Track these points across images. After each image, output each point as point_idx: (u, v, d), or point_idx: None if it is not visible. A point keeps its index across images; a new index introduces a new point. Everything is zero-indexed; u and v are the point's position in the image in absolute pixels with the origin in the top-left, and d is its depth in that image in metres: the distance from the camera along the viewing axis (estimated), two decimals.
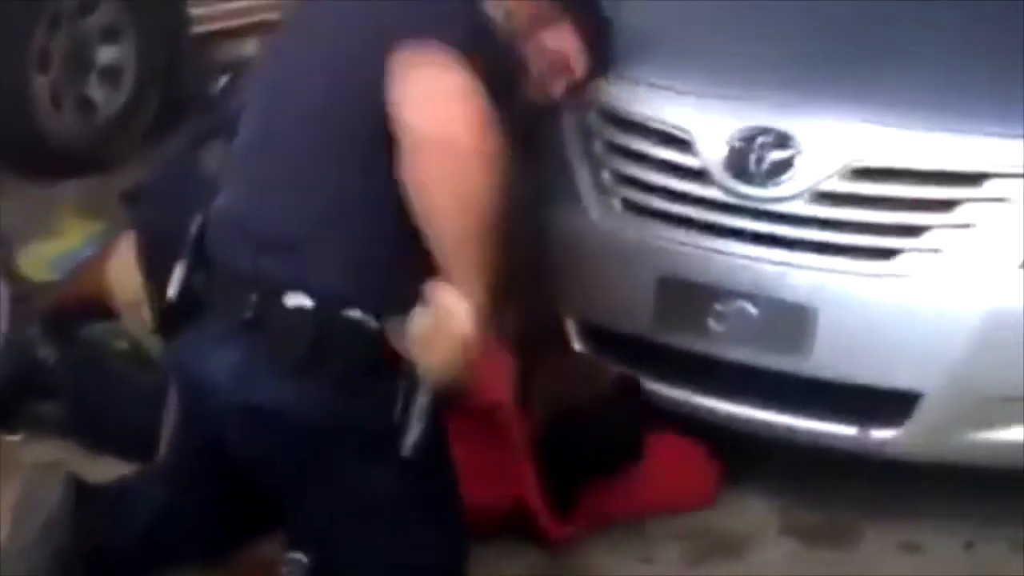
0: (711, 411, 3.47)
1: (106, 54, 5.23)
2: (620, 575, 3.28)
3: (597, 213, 3.53)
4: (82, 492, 2.80)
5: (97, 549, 2.78)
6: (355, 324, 2.58)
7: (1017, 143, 3.26)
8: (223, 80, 3.64)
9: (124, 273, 3.68)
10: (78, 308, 3.79)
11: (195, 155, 3.33)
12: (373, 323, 2.58)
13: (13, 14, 4.91)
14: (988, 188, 3.27)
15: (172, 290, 2.75)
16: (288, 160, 2.68)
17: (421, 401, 2.58)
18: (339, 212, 2.62)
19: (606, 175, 3.54)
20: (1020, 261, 3.26)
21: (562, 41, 3.32)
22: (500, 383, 3.23)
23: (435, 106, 2.48)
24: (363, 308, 2.58)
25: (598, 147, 3.56)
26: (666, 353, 3.49)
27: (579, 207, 3.55)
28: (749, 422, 3.45)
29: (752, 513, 3.51)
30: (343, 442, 2.62)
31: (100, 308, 3.78)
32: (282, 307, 2.59)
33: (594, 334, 3.61)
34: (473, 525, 2.81)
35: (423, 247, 2.54)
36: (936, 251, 3.29)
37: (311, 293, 2.58)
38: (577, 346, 3.61)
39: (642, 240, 3.47)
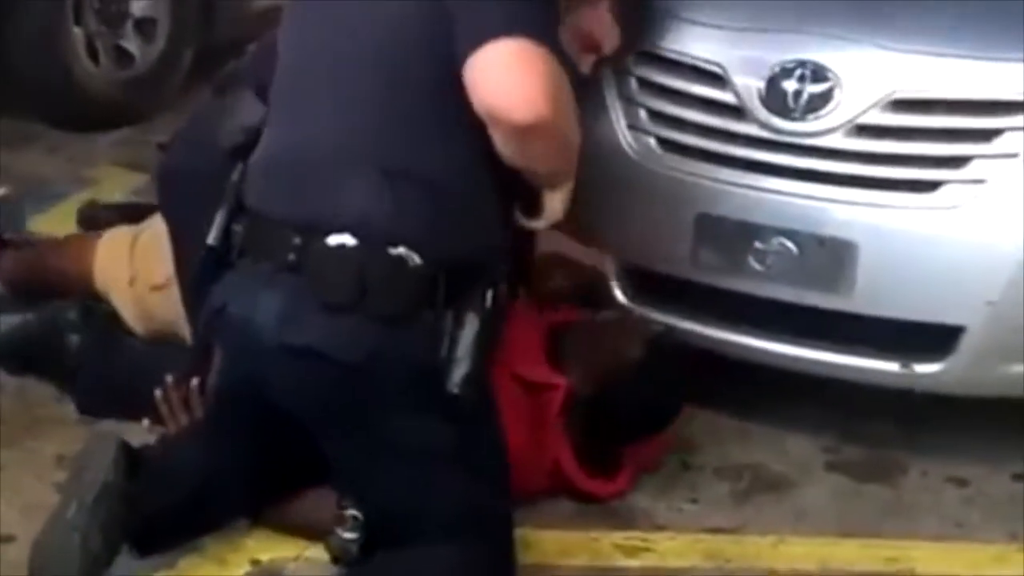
0: (753, 350, 3.44)
1: (140, 5, 5.22)
2: (667, 515, 3.26)
3: (633, 152, 3.49)
4: (133, 459, 2.78)
5: (148, 515, 2.78)
6: (399, 261, 2.57)
7: None
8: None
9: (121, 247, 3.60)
10: (47, 282, 3.63)
11: (219, 104, 3.30)
12: (417, 259, 2.57)
13: None
14: None
15: (212, 236, 2.74)
16: (333, 101, 2.67)
17: (468, 335, 2.57)
18: (382, 150, 2.62)
19: (642, 113, 3.50)
20: None
21: (595, 19, 3.32)
22: (544, 360, 3.24)
23: (522, 90, 2.52)
24: (407, 245, 2.57)
25: (633, 85, 3.51)
26: (705, 293, 3.46)
27: (615, 146, 3.51)
28: (791, 360, 3.42)
29: (798, 451, 3.50)
30: (389, 383, 2.61)
31: (72, 287, 3.62)
32: (324, 246, 2.58)
33: (633, 277, 3.58)
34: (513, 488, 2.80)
35: (464, 181, 2.60)
36: (979, 182, 3.24)
37: (354, 232, 2.57)
38: (616, 290, 3.58)
39: (679, 178, 3.43)
